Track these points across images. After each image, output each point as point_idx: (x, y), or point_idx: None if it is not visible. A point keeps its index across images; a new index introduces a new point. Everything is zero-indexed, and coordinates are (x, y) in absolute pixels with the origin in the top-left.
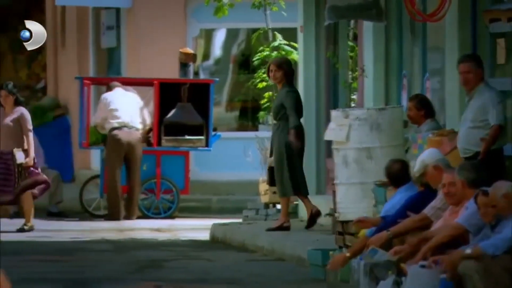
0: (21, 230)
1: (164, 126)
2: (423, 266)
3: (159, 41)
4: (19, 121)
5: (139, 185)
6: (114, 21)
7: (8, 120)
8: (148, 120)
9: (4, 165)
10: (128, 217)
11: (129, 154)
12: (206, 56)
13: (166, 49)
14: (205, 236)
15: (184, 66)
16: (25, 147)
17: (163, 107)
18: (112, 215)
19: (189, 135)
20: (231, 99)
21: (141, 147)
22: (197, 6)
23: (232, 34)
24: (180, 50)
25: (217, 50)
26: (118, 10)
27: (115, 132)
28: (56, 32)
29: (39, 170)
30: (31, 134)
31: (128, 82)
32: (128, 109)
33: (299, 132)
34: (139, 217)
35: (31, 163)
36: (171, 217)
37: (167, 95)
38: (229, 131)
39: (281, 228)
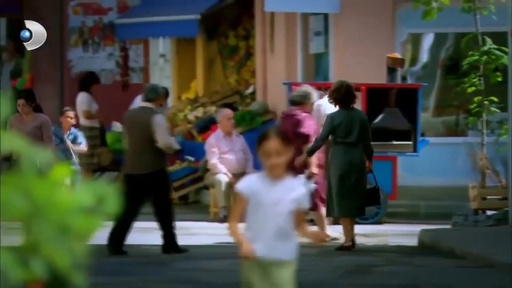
0: None
1: (372, 131)
2: None
3: (367, 46)
4: (41, 128)
5: None
6: (322, 27)
7: (29, 128)
8: None
9: None
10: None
11: None
12: (413, 61)
13: (373, 54)
14: (413, 241)
15: (391, 71)
16: None
17: (370, 112)
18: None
19: (396, 140)
20: (439, 104)
21: None
22: (405, 11)
23: (440, 39)
24: (388, 55)
25: (424, 55)
26: (326, 15)
27: None
28: (265, 37)
29: None
30: (52, 141)
31: None
32: None
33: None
34: None
35: None
36: (379, 222)
37: (375, 100)
38: (437, 137)
39: (341, 248)
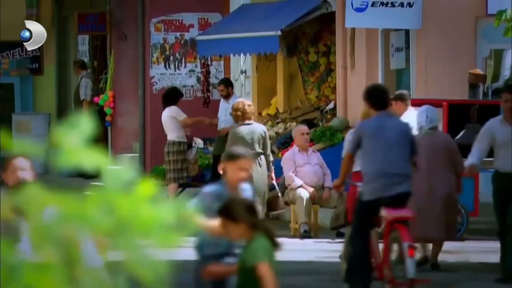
0: None
1: None
2: None
3: (448, 62)
4: None
5: None
6: (403, 42)
7: None
8: None
9: None
10: None
11: None
12: (495, 77)
13: (455, 70)
14: (495, 258)
15: (473, 87)
16: None
17: (452, 128)
18: None
19: None
20: None
21: None
22: (488, 27)
23: None
24: (470, 71)
25: (506, 71)
26: (407, 31)
27: None
28: (345, 53)
29: None
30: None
31: (417, 103)
32: None
33: None
34: None
35: None
36: (461, 239)
37: (456, 116)
38: None
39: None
